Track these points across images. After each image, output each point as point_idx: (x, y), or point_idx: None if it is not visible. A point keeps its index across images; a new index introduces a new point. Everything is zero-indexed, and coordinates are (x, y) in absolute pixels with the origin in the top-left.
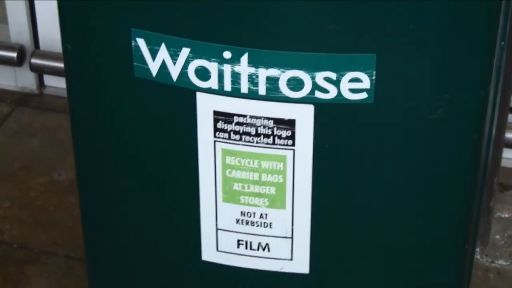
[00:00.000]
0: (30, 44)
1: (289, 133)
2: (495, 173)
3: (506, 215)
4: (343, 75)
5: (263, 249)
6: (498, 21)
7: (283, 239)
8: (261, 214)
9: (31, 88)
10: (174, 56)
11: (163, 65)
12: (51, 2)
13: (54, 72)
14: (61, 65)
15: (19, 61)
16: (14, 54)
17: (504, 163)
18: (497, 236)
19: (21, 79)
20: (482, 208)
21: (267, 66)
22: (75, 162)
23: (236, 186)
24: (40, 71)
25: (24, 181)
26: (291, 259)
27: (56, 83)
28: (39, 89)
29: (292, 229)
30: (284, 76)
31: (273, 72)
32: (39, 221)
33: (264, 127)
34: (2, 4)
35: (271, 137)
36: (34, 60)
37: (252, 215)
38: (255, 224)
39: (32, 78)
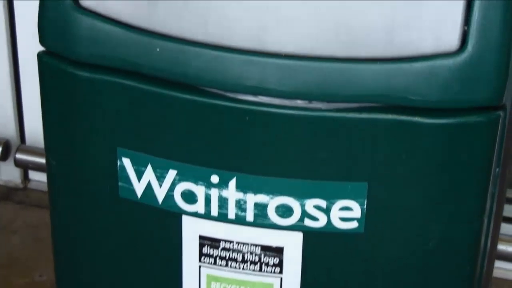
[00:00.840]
0: (16, 138)
1: (276, 260)
2: (487, 287)
3: None
4: (333, 203)
5: None
6: (493, 152)
7: None
8: None
9: (15, 182)
10: (160, 178)
11: (149, 186)
12: (38, 96)
13: (39, 168)
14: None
15: (4, 156)
16: None
17: (495, 273)
18: None
19: (5, 173)
20: None
21: (256, 192)
22: (56, 279)
23: None
24: (25, 167)
25: (4, 282)
26: None
27: (41, 177)
28: (24, 183)
29: None
30: (272, 202)
31: (261, 198)
32: None
33: (251, 253)
34: None
35: (258, 264)
36: (19, 156)
37: None
38: None
39: (16, 172)
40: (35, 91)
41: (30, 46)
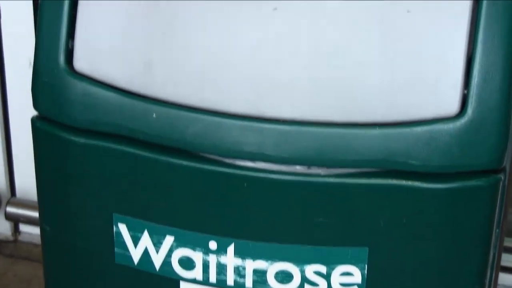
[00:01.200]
0: (6, 190)
1: None
2: None
3: None
4: (333, 269)
5: None
6: (494, 214)
7: None
8: None
9: (5, 234)
10: (157, 244)
11: (146, 252)
12: (30, 149)
13: (31, 221)
14: (38, 214)
15: None
16: None
17: None
18: None
19: None
20: None
21: (255, 257)
22: None
23: None
24: (15, 220)
25: None
26: None
27: (32, 230)
28: (14, 235)
29: None
30: (272, 268)
31: (260, 264)
32: None
33: None
34: None
35: None
36: (10, 209)
37: None
38: None
39: (6, 224)
40: (25, 144)
41: (20, 97)
